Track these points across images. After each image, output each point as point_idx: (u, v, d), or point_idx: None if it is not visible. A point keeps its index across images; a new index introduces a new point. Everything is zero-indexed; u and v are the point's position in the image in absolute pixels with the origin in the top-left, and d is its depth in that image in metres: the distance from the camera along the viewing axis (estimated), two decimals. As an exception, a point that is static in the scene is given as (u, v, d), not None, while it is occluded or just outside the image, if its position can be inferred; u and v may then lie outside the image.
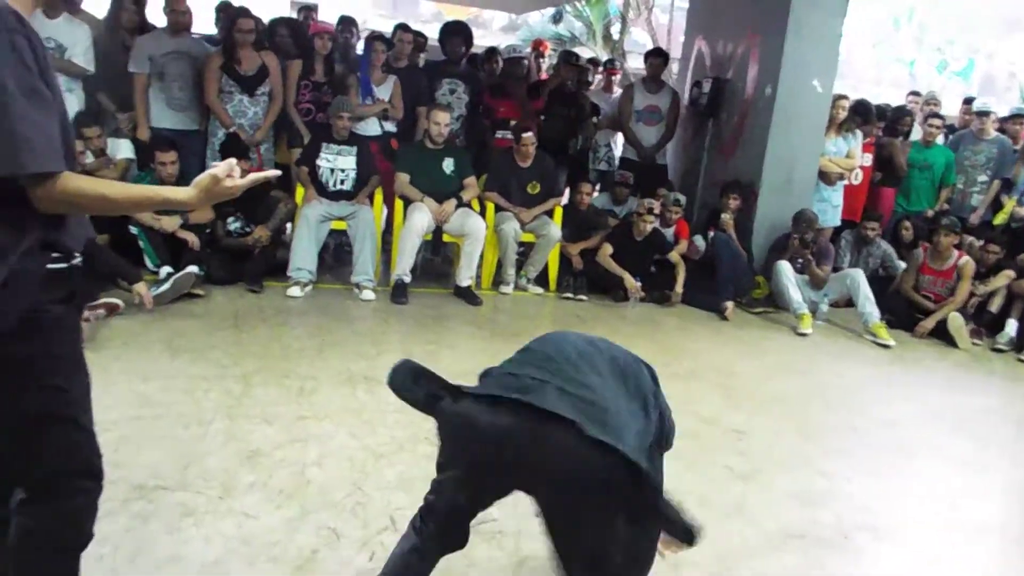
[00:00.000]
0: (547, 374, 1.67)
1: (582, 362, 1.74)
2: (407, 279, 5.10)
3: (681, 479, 3.01)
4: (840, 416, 3.95)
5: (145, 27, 5.57)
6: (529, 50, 7.62)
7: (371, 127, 5.72)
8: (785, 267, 5.56)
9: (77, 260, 1.50)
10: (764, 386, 4.26)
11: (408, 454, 2.94)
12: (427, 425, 3.23)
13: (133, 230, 4.73)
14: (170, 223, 4.73)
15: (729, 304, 5.50)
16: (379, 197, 5.45)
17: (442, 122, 5.26)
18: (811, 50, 5.86)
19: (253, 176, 1.57)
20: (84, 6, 5.49)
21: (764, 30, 6.09)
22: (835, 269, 5.85)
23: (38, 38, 1.34)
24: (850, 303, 5.61)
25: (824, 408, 4.08)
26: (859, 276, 5.54)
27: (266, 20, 6.11)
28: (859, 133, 6.23)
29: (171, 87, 5.34)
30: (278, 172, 1.73)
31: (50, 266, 1.42)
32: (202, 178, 1.52)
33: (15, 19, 1.29)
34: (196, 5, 5.56)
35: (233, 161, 1.55)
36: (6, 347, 1.39)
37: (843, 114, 6.12)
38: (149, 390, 3.29)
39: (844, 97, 6.25)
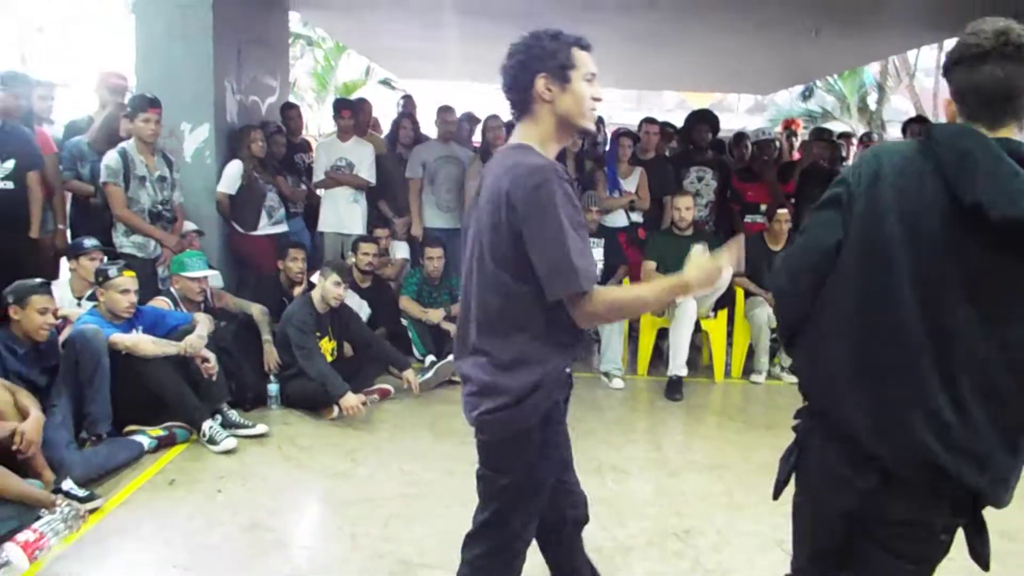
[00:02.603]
0: None
1: None
2: (683, 373, 4.92)
3: (975, 602, 2.62)
4: None
5: (419, 141, 6.29)
6: (780, 130, 7.44)
7: (618, 219, 5.87)
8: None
9: (568, 368, 1.83)
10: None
11: (657, 550, 2.85)
12: (674, 520, 3.11)
13: (404, 322, 5.22)
14: (436, 315, 5.16)
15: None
16: (627, 286, 5.53)
17: (683, 207, 5.25)
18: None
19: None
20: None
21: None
22: None
23: (574, 185, 1.67)
24: None
25: None
26: None
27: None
28: None
29: (440, 190, 5.92)
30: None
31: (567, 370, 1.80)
32: (700, 262, 1.66)
33: (564, 171, 1.61)
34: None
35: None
36: (532, 434, 1.75)
37: None
38: (416, 469, 3.56)
39: None
